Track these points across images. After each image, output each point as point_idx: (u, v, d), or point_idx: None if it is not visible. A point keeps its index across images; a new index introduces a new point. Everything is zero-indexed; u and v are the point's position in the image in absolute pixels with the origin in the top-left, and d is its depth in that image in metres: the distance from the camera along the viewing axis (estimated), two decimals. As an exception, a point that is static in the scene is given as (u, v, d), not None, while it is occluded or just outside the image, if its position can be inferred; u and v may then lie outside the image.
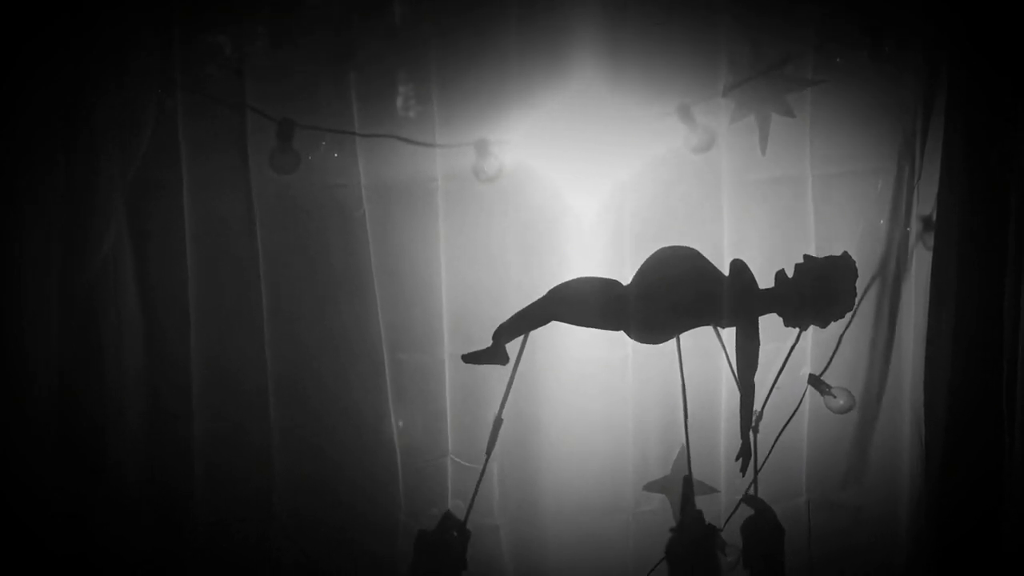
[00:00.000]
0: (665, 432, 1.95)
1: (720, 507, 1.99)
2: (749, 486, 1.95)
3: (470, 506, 1.92)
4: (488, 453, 1.90)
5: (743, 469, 1.90)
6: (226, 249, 1.95)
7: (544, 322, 1.83)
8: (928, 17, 1.88)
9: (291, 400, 1.98)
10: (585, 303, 1.83)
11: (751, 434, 1.90)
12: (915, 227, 1.98)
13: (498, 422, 1.88)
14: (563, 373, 1.96)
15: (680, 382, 1.88)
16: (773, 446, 1.95)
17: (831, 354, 1.96)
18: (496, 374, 1.88)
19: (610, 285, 1.83)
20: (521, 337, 1.85)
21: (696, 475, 1.95)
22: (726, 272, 1.83)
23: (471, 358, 1.85)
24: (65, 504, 1.88)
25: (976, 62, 1.82)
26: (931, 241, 1.93)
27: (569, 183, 1.92)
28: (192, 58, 1.90)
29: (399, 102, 1.93)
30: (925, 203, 1.97)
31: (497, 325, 1.83)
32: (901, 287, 2.00)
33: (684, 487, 1.92)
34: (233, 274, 1.95)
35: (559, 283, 1.83)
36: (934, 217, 1.94)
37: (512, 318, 1.83)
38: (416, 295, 1.95)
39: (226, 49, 1.93)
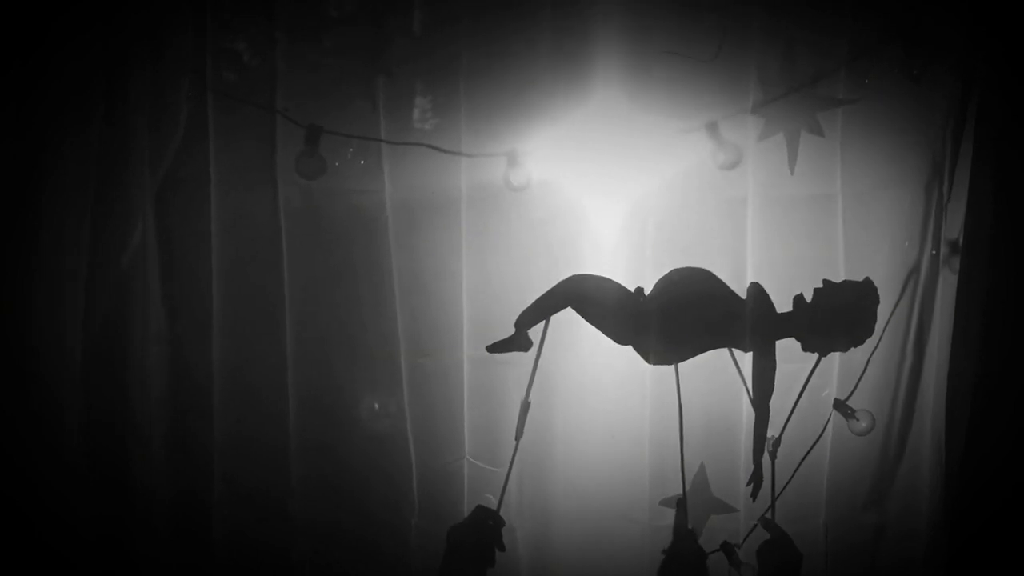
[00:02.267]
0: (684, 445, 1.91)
1: (739, 526, 1.97)
2: (766, 510, 1.93)
3: (502, 493, 1.92)
4: (517, 437, 1.89)
5: (753, 495, 1.89)
6: (251, 250, 1.96)
7: (562, 307, 1.83)
8: (960, 36, 1.86)
9: (309, 402, 1.98)
10: (603, 306, 1.82)
11: (767, 458, 1.88)
12: (942, 250, 1.95)
13: (525, 405, 1.87)
14: (581, 380, 1.95)
15: (678, 403, 1.87)
16: (795, 473, 1.93)
17: (857, 379, 1.93)
18: (514, 376, 1.89)
19: (629, 296, 1.83)
20: (542, 323, 1.85)
21: (715, 493, 1.94)
22: (741, 295, 1.82)
23: (496, 347, 1.84)
24: (95, 523, 1.91)
25: (1009, 82, 1.81)
26: (957, 265, 1.92)
27: (593, 196, 1.91)
28: (220, 55, 1.90)
29: (425, 111, 1.93)
30: (952, 226, 1.94)
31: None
32: (926, 311, 1.97)
33: (677, 512, 1.91)
34: (257, 276, 1.96)
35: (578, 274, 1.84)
36: (960, 241, 1.92)
37: (531, 305, 1.84)
38: (436, 301, 1.95)
39: (252, 48, 1.94)
